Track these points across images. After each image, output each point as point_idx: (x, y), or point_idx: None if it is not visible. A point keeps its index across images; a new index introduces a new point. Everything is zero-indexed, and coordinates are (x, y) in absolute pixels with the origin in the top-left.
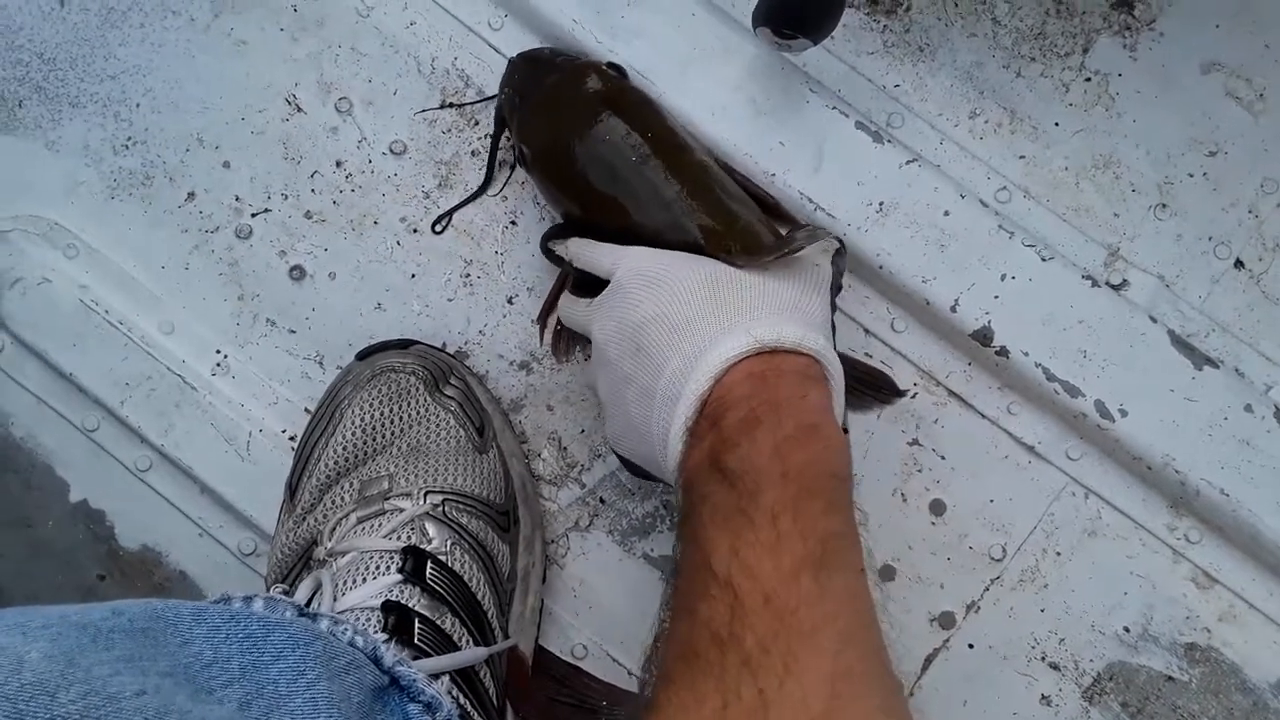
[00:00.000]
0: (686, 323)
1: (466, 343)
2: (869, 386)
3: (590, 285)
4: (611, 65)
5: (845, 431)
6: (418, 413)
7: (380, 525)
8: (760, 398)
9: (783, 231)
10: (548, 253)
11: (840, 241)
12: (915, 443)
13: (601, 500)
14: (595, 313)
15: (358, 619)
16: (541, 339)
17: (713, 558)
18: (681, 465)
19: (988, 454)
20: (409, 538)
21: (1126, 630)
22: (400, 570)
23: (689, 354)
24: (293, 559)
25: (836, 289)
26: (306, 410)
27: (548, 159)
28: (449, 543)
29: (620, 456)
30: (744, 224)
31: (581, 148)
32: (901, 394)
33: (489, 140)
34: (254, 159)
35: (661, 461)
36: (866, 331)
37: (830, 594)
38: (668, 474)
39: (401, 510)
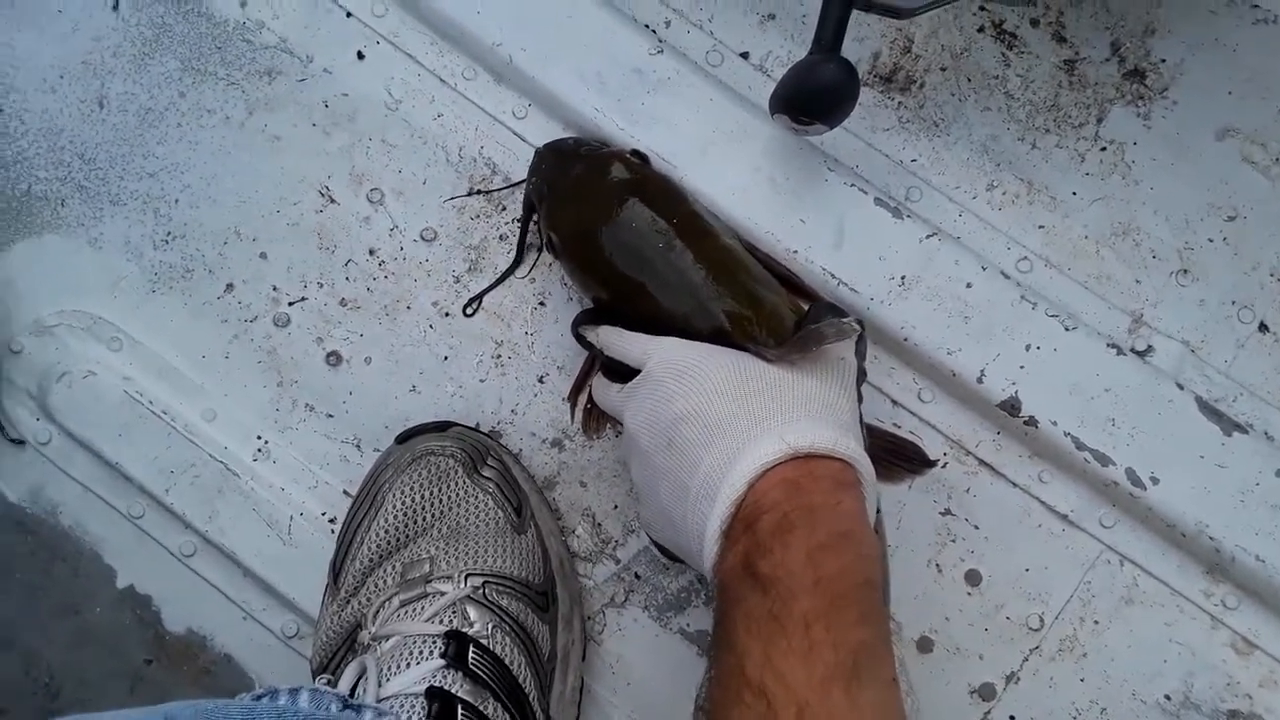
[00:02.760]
0: (719, 423)
1: (500, 422)
2: (899, 457)
3: (621, 367)
4: (635, 152)
5: (880, 523)
6: (457, 495)
7: (423, 609)
8: (794, 503)
9: (805, 307)
10: (579, 338)
11: (860, 325)
12: (948, 512)
13: (637, 575)
14: (628, 401)
15: (402, 706)
16: (572, 417)
17: (746, 663)
18: (716, 567)
19: (1021, 523)
20: (451, 621)
21: (1168, 698)
22: (443, 655)
23: (723, 456)
24: (337, 642)
25: (861, 376)
26: (346, 493)
27: (576, 247)
28: (490, 626)
29: (653, 540)
30: (769, 309)
31: (608, 235)
32: (932, 464)
33: (517, 225)
34: (290, 250)
35: (697, 557)
36: (894, 402)
37: (860, 708)
38: (704, 570)
39: (443, 594)
